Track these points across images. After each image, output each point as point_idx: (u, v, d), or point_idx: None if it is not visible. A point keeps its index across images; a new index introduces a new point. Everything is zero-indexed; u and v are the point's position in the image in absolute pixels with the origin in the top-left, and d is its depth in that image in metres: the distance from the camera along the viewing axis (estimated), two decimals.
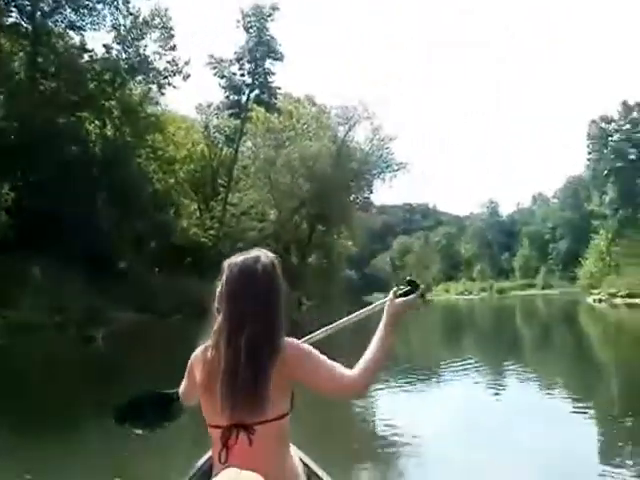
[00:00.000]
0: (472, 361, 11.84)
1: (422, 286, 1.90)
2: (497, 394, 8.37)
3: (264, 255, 1.81)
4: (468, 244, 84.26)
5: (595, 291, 34.49)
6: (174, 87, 29.16)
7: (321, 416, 6.10)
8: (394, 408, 7.43)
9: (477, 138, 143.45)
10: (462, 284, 77.05)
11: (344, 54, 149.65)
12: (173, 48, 28.36)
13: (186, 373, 1.91)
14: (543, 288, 64.61)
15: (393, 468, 5.00)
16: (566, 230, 67.96)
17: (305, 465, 2.02)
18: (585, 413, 6.83)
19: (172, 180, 32.56)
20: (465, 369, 10.56)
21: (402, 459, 5.10)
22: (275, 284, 1.79)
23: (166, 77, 28.40)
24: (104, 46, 27.50)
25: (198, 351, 1.82)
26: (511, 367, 10.98)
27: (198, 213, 38.64)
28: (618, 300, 30.07)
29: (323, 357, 1.78)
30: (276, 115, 39.02)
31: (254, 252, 1.82)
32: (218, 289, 1.80)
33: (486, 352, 14.39)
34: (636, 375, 9.73)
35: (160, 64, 28.44)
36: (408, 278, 1.91)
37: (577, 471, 4.58)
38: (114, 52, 27.82)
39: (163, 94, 29.80)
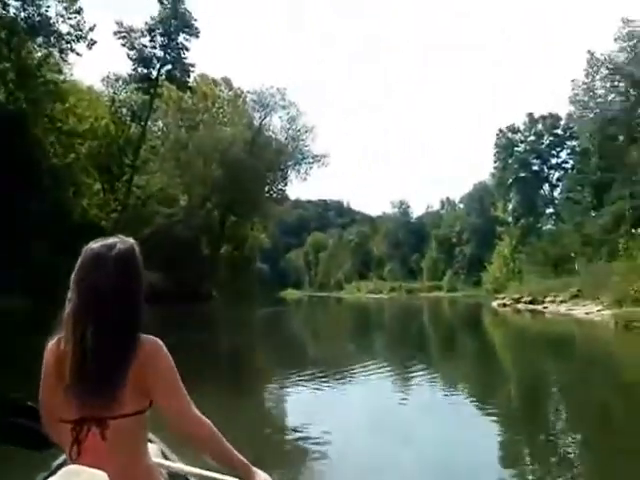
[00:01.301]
0: (379, 362, 11.76)
1: None
2: (403, 395, 8.49)
3: (121, 241, 1.74)
4: (380, 244, 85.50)
5: (499, 295, 35.50)
6: (78, 54, 26.78)
7: (219, 416, 5.71)
8: (298, 409, 7.48)
9: (391, 139, 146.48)
10: (373, 283, 78.17)
11: (263, 39, 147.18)
12: (78, 12, 25.96)
13: (42, 374, 1.72)
14: (448, 291, 66.50)
15: (291, 468, 4.90)
16: (471, 235, 70.12)
17: (168, 464, 1.98)
18: (485, 415, 7.09)
19: (72, 155, 29.86)
20: (371, 370, 10.52)
21: (302, 459, 5.08)
22: (129, 272, 1.71)
23: (69, 42, 25.90)
24: (0, 1, 24.69)
25: (50, 344, 1.71)
26: (418, 369, 10.88)
27: (102, 194, 36.00)
28: (521, 305, 30.95)
29: (180, 382, 1.70)
30: (189, 95, 36.99)
31: (112, 239, 1.74)
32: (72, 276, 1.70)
33: (394, 354, 14.32)
34: (536, 379, 10.29)
35: (63, 27, 26.01)
36: None
37: (474, 469, 4.79)
38: (12, 9, 25.20)
39: (65, 60, 27.33)
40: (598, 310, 20.93)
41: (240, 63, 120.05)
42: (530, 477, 4.64)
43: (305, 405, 7.66)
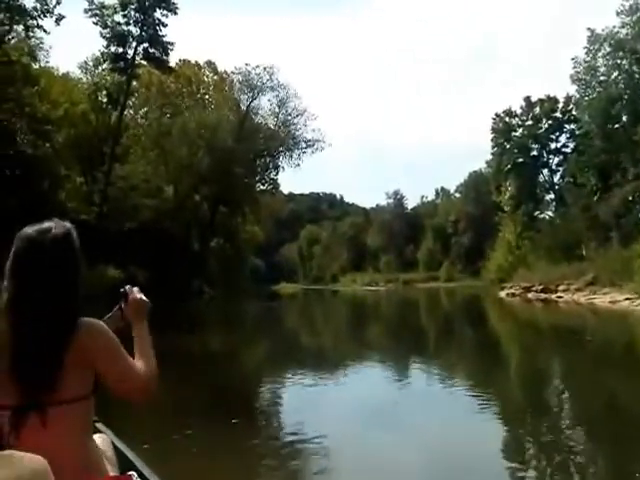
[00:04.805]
0: (384, 360, 11.36)
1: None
2: (407, 392, 8.17)
3: (58, 225, 1.73)
4: (375, 235, 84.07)
5: (506, 285, 33.65)
6: (45, 31, 24.57)
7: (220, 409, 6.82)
8: (299, 403, 7.45)
9: (384, 130, 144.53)
10: (369, 275, 76.62)
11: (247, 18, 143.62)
12: None
13: None
14: (445, 281, 65.11)
15: (295, 463, 4.93)
16: (468, 224, 68.89)
17: (119, 451, 2.04)
18: (492, 408, 6.90)
19: (47, 145, 27.64)
20: (377, 367, 10.39)
21: (305, 453, 5.08)
22: (66, 257, 1.72)
23: (34, 18, 23.63)
24: None
25: None
26: (436, 374, 9.91)
27: (85, 187, 33.93)
28: (532, 295, 29.04)
29: (123, 350, 1.74)
30: (172, 79, 34.53)
31: (48, 222, 1.73)
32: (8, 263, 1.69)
33: (401, 352, 12.94)
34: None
35: (28, 2, 23.72)
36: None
37: (477, 464, 4.69)
38: None
39: (29, 37, 24.98)
40: (627, 299, 19.03)
41: (226, 46, 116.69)
42: (528, 474, 4.52)
43: (302, 402, 7.49)
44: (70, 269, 1.69)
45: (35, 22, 23.84)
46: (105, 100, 33.64)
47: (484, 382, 8.72)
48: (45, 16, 23.68)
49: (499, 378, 9.31)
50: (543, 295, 27.61)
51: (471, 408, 6.73)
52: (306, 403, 7.38)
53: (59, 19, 24.25)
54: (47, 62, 29.66)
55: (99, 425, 2.16)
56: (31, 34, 24.67)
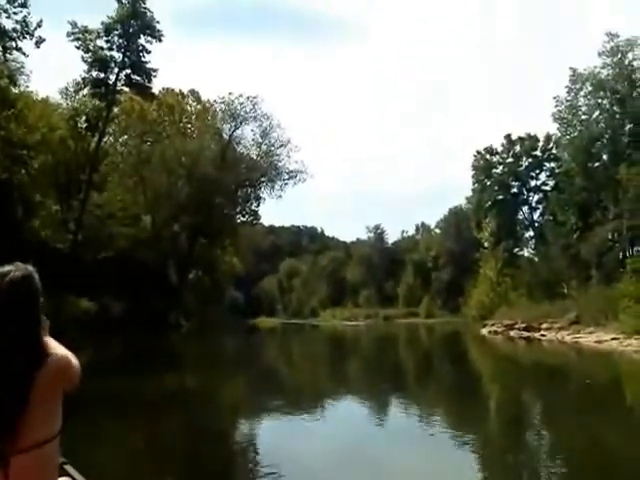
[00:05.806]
0: (369, 403, 11.04)
1: None
2: (390, 436, 7.95)
3: (17, 269, 1.76)
4: (354, 270, 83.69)
5: (488, 322, 33.25)
6: (24, 53, 24.02)
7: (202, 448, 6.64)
8: (277, 439, 7.59)
9: (365, 163, 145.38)
10: (349, 309, 75.97)
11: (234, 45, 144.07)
12: (24, 5, 23.22)
13: None
14: (426, 317, 64.67)
15: None
16: (448, 260, 68.92)
17: None
18: (469, 448, 6.84)
19: (23, 171, 26.85)
20: (369, 401, 10.49)
21: None
22: (25, 300, 1.73)
23: (14, 39, 23.15)
24: None
25: None
26: (418, 423, 9.14)
27: (60, 214, 33.05)
28: (514, 332, 28.61)
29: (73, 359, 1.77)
30: (154, 107, 34.02)
31: (8, 266, 1.76)
32: None
33: (380, 395, 12.31)
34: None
35: (7, 23, 23.32)
36: None
37: None
38: None
39: (6, 60, 24.42)
40: (614, 339, 18.69)
41: (210, 75, 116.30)
42: None
43: (280, 450, 7.21)
44: (28, 312, 1.71)
45: (14, 44, 23.35)
46: (84, 126, 33.04)
47: (466, 422, 8.63)
48: (24, 37, 23.25)
49: (482, 419, 9.10)
50: (526, 333, 27.17)
51: (450, 449, 6.72)
52: (283, 449, 7.12)
53: (39, 42, 23.85)
54: (27, 87, 29.19)
55: (67, 467, 2.06)
56: (9, 56, 24.13)
